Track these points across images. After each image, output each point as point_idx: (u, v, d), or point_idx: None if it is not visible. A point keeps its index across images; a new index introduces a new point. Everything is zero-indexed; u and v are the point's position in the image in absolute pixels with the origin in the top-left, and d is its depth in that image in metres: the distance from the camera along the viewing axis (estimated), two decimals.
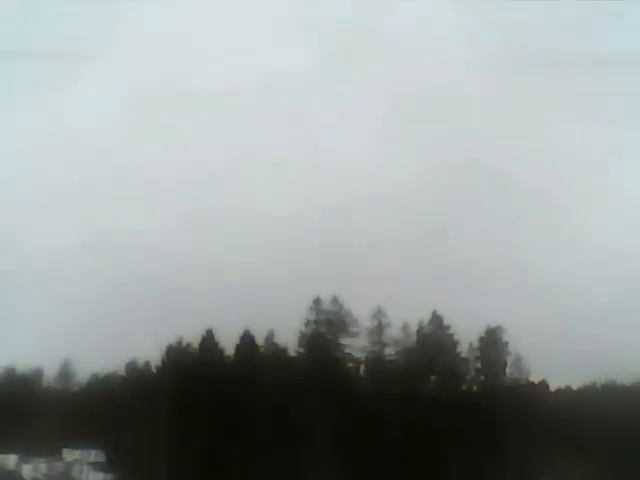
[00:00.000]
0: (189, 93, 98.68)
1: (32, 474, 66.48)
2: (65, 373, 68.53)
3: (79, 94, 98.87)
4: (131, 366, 71.22)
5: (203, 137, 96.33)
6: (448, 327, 57.42)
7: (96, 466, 69.02)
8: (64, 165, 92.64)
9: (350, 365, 57.87)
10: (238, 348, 58.90)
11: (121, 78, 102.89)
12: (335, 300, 56.84)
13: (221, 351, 59.94)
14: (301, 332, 57.02)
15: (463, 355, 58.12)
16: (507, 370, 58.03)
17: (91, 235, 77.98)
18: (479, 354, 58.22)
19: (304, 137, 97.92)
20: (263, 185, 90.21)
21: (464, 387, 58.89)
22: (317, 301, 57.13)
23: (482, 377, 58.81)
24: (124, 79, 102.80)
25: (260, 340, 59.42)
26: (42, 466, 67.74)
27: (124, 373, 72.29)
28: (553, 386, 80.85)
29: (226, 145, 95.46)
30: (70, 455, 71.24)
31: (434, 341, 57.07)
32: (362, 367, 58.49)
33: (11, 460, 68.40)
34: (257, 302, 66.56)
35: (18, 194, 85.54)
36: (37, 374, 74.38)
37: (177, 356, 61.01)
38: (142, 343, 65.55)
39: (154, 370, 68.79)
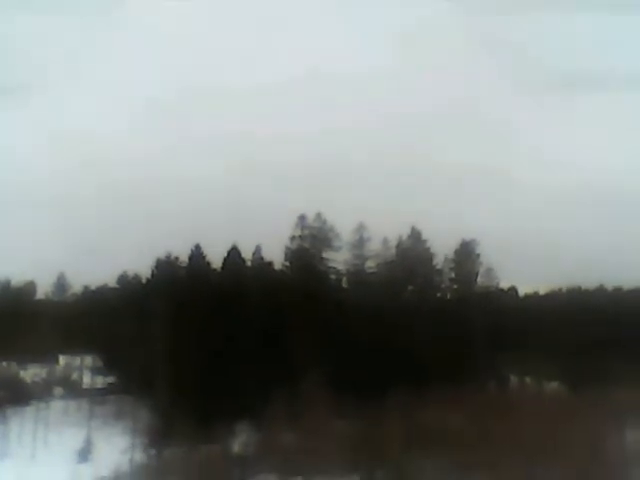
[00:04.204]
0: None
1: (32, 379, 70.00)
2: (60, 285, 70.24)
3: None
4: (122, 279, 73.50)
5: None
6: (425, 241, 60.10)
7: (94, 371, 72.94)
8: None
9: (333, 277, 60.38)
10: (226, 262, 60.46)
11: None
12: (319, 216, 58.59)
13: (208, 264, 60.99)
14: (287, 247, 59.03)
15: (439, 267, 61.23)
16: (479, 279, 61.24)
17: (84, 154, 77.78)
18: (453, 265, 61.43)
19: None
20: (248, 105, 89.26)
21: (439, 295, 62.25)
22: (302, 217, 58.78)
23: (455, 286, 62.05)
24: None
25: (247, 255, 61.32)
26: (42, 371, 71.13)
27: (116, 285, 74.69)
28: (522, 292, 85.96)
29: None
30: (68, 361, 74.94)
31: (412, 254, 59.70)
32: (344, 279, 61.06)
33: (12, 366, 71.61)
34: (244, 219, 68.20)
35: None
36: (31, 287, 76.41)
37: (166, 269, 62.18)
38: (132, 258, 67.45)
39: (144, 282, 71.17)
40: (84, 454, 49.97)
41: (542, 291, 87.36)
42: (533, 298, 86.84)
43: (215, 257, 60.97)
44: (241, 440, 48.79)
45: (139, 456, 47.79)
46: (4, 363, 69.77)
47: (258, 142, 79.77)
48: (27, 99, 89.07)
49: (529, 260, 74.90)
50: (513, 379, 65.93)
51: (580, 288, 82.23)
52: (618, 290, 79.92)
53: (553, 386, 63.78)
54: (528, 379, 66.50)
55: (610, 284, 79.12)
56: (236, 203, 71.13)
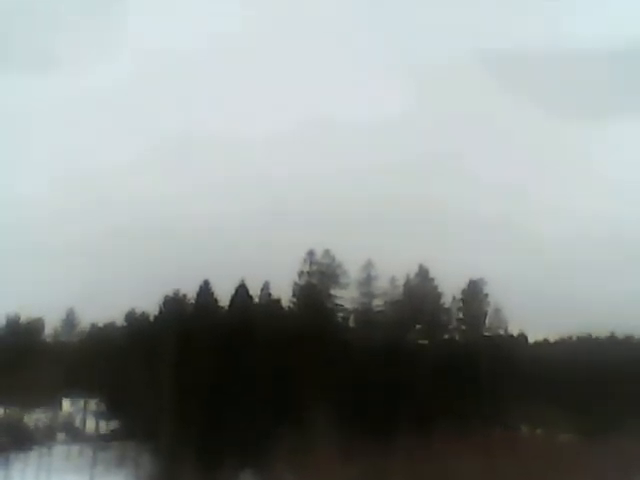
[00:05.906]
0: None
1: (35, 424, 68.66)
2: (69, 322, 70.24)
3: None
4: (130, 316, 73.30)
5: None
6: (433, 280, 60.09)
7: (98, 415, 71.65)
8: None
9: (340, 315, 60.31)
10: (234, 298, 60.75)
11: None
12: (327, 253, 59.04)
13: (216, 301, 61.63)
14: (295, 282, 59.51)
15: (446, 306, 60.98)
16: (487, 321, 60.99)
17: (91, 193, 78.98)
18: (461, 305, 61.20)
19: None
20: (259, 148, 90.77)
21: (446, 336, 61.74)
22: (310, 253, 59.36)
23: (463, 327, 61.63)
24: None
25: (255, 291, 61.57)
26: (43, 416, 70.00)
27: (123, 323, 74.35)
28: (532, 338, 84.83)
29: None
30: (71, 405, 73.82)
31: (419, 293, 59.67)
32: (352, 317, 60.83)
33: (15, 411, 70.48)
34: (252, 255, 68.65)
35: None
36: (39, 324, 76.14)
37: (174, 306, 62.46)
38: (140, 295, 67.43)
39: (152, 319, 71.02)
40: None
41: (552, 339, 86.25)
42: (543, 346, 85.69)
43: (223, 293, 61.51)
44: None
45: None
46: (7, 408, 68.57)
47: (268, 181, 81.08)
48: (29, 139, 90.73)
49: (538, 306, 74.28)
50: (521, 426, 64.49)
51: (591, 336, 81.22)
52: (629, 339, 78.85)
53: (562, 434, 62.25)
54: (536, 427, 65.04)
55: (622, 333, 78.11)
56: (245, 239, 71.67)
